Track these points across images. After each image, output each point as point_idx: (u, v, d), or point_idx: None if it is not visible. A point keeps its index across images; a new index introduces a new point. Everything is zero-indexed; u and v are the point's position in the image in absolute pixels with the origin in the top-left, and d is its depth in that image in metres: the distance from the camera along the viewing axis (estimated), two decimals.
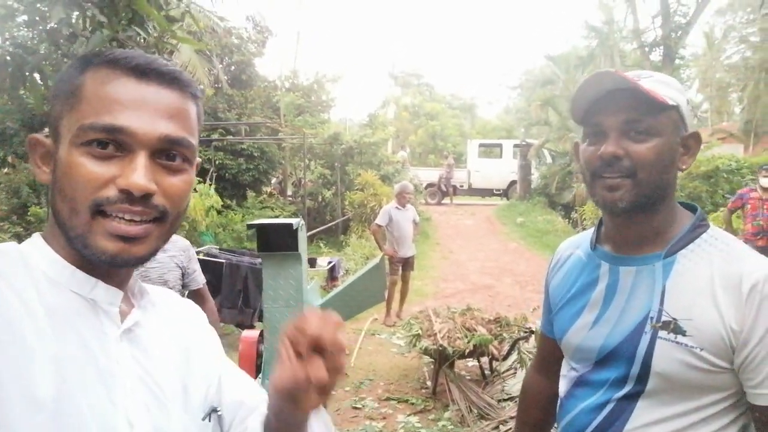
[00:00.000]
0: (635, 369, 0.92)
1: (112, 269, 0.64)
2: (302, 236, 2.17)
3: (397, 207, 6.11)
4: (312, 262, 6.10)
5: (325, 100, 16.91)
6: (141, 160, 0.60)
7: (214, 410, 0.74)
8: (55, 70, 3.43)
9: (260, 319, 5.23)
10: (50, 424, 0.54)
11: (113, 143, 0.59)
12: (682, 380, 0.89)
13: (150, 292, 0.72)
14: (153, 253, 0.64)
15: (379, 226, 6.10)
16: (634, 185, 0.91)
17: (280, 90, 15.18)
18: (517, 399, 1.36)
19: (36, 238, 0.65)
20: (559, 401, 1.09)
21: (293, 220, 2.12)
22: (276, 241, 2.11)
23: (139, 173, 0.59)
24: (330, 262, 6.78)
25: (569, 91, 15.90)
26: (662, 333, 0.90)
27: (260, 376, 2.18)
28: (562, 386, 1.08)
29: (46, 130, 0.64)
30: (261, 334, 2.29)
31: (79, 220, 0.59)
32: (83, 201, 0.59)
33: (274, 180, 14.08)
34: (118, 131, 0.59)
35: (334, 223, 11.23)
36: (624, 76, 0.90)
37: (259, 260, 5.22)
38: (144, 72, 0.61)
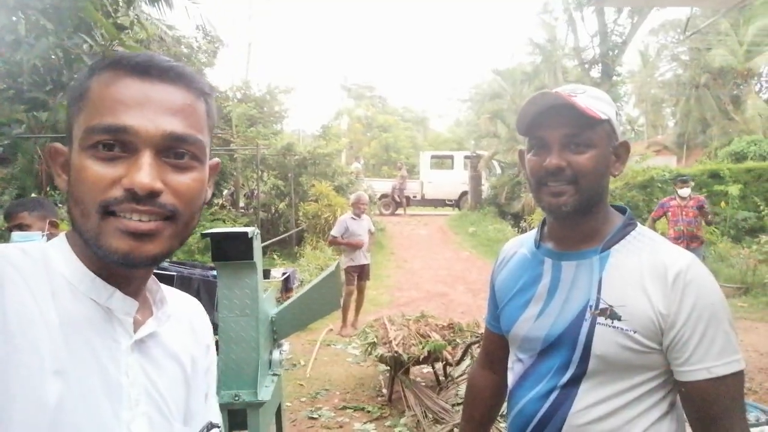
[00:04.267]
0: (577, 353, 1.01)
1: (128, 273, 0.64)
2: (257, 245, 2.17)
3: (353, 217, 6.17)
4: (266, 274, 6.03)
5: (278, 111, 16.76)
6: (145, 158, 0.59)
7: (214, 426, 0.74)
8: None
9: (214, 332, 5.13)
10: (52, 422, 0.54)
11: (118, 144, 0.59)
12: (618, 361, 0.98)
13: (169, 301, 0.71)
14: (167, 253, 0.62)
15: (335, 237, 6.14)
16: (576, 191, 1.01)
17: (231, 101, 14.95)
18: None
19: (61, 240, 0.65)
20: (508, 393, 1.16)
21: (248, 229, 2.13)
22: (231, 251, 2.10)
23: (143, 172, 0.58)
24: (284, 273, 6.71)
25: (516, 104, 16.48)
26: (600, 319, 1.00)
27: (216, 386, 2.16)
28: (510, 379, 1.15)
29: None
30: (216, 345, 2.27)
31: (90, 222, 0.59)
32: (92, 203, 0.58)
33: (225, 192, 13.81)
34: (121, 131, 0.58)
35: (288, 234, 11.12)
36: (562, 96, 0.99)
37: (212, 273, 5.12)
38: (146, 70, 0.60)
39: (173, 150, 0.61)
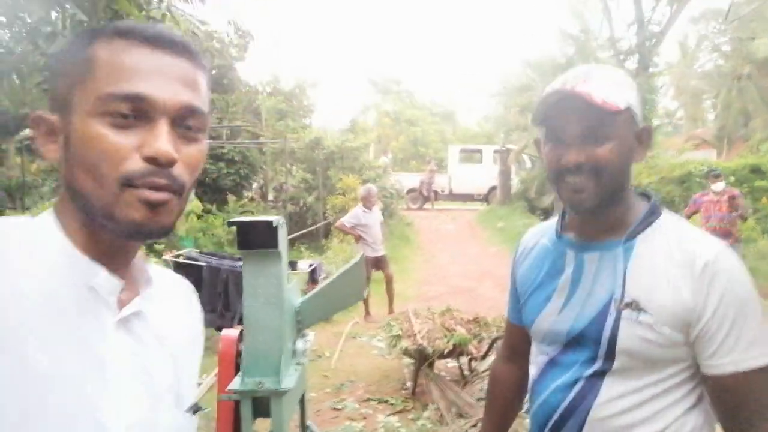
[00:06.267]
0: (602, 348, 0.98)
1: (122, 250, 0.65)
2: (282, 234, 2.18)
3: (364, 210, 6.26)
4: (293, 265, 6.10)
5: (306, 105, 16.89)
6: (163, 127, 0.59)
7: (198, 408, 0.75)
8: (33, 70, 3.40)
9: (240, 322, 5.23)
10: (37, 405, 0.55)
11: (134, 112, 0.59)
12: (645, 355, 0.95)
13: (156, 281, 0.71)
14: (172, 226, 0.64)
15: (343, 223, 6.40)
16: (598, 186, 0.96)
17: (261, 94, 15.13)
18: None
19: (49, 215, 0.64)
20: (530, 385, 1.14)
21: (273, 218, 2.13)
22: (256, 239, 2.11)
23: (163, 140, 0.59)
24: (311, 265, 6.77)
25: None
26: (625, 313, 0.96)
27: (240, 374, 2.18)
28: (533, 371, 1.13)
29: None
30: (241, 333, 2.29)
31: (105, 192, 0.59)
32: (110, 174, 0.58)
33: (255, 185, 14.01)
34: (139, 99, 0.58)
35: (315, 227, 11.21)
36: (578, 93, 0.93)
37: (240, 263, 5.21)
38: (158, 41, 0.61)
39: (185, 121, 0.62)
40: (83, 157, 0.59)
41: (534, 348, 1.14)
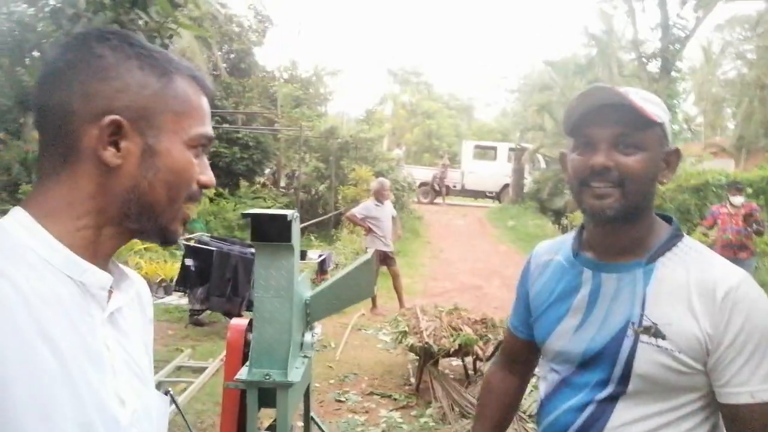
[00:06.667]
0: (617, 371, 0.97)
1: (112, 249, 0.70)
2: (296, 228, 2.18)
3: (376, 204, 6.22)
4: (303, 255, 6.13)
5: (323, 93, 16.86)
6: (207, 161, 0.74)
7: (168, 391, 0.78)
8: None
9: (248, 308, 5.27)
10: (52, 402, 0.56)
11: (203, 149, 0.73)
12: (661, 381, 0.94)
13: (129, 275, 0.75)
14: None
15: (354, 214, 6.38)
16: (622, 195, 0.95)
17: (278, 80, 15.12)
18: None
19: (22, 215, 0.63)
20: (540, 403, 1.13)
21: (288, 212, 2.14)
22: (270, 232, 2.12)
23: (211, 173, 0.74)
24: (321, 256, 6.80)
25: (566, 97, 15.98)
26: (644, 337, 0.95)
27: (247, 364, 2.20)
28: (543, 388, 1.11)
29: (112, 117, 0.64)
30: (250, 323, 2.30)
31: (174, 207, 0.69)
32: (184, 191, 0.70)
33: (267, 171, 14.05)
34: (210, 141, 0.73)
35: (326, 216, 11.23)
36: (617, 92, 0.94)
37: (250, 250, 5.22)
38: (207, 90, 0.74)
39: None
40: (170, 176, 0.68)
41: (544, 365, 1.13)
